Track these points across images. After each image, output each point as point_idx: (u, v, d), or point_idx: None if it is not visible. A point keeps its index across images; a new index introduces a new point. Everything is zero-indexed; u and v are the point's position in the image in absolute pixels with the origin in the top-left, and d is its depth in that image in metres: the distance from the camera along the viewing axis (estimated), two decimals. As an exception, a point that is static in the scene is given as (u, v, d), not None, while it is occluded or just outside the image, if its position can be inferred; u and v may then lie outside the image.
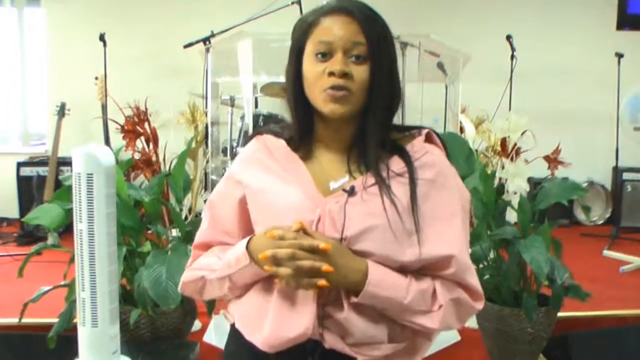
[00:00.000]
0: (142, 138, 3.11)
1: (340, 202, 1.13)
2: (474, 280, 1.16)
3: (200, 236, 1.29)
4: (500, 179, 2.64)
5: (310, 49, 1.16)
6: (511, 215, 2.59)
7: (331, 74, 1.12)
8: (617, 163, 4.89)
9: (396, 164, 1.16)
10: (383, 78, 1.15)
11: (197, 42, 3.62)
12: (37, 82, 5.50)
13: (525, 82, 4.66)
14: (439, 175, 1.17)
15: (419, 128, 1.24)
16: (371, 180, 1.14)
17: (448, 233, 1.14)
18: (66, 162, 4.67)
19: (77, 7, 5.29)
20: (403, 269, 1.13)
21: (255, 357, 1.18)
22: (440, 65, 3.20)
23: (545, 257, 2.21)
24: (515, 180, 2.55)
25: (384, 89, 1.16)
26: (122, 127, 3.10)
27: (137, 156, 3.10)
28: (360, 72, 1.13)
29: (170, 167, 2.90)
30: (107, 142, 4.45)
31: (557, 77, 5.33)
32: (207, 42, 3.52)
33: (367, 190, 1.13)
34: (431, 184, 1.15)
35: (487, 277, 2.53)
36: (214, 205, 1.28)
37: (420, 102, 3.07)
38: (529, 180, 2.63)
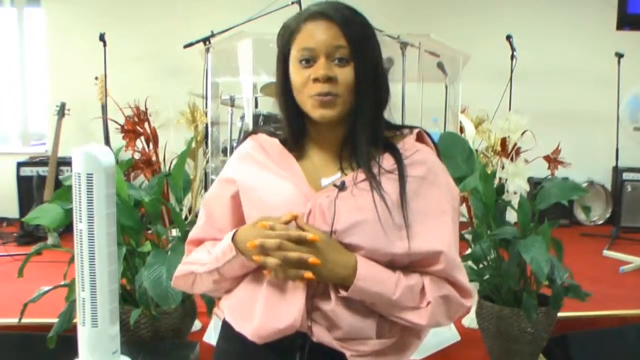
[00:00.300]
0: (142, 138, 3.10)
1: (330, 196, 1.15)
2: (462, 278, 1.17)
3: (193, 232, 1.32)
4: (500, 179, 2.64)
5: (294, 55, 1.19)
6: (511, 215, 2.59)
7: (316, 80, 1.14)
8: (617, 163, 4.89)
9: (387, 161, 1.18)
10: (368, 77, 1.17)
11: (197, 42, 3.61)
12: (37, 82, 5.50)
13: (525, 82, 4.66)
14: (429, 172, 1.19)
15: (411, 128, 1.26)
16: (362, 176, 1.17)
17: (437, 229, 1.15)
18: (66, 162, 4.67)
19: (77, 7, 5.29)
20: (392, 265, 1.14)
21: (245, 353, 1.20)
22: (440, 65, 3.21)
23: (545, 257, 2.21)
24: (515, 180, 2.56)
25: (370, 87, 1.17)
26: (122, 127, 3.08)
27: (137, 156, 3.09)
28: (345, 74, 1.15)
29: (170, 167, 2.89)
30: (107, 142, 4.45)
31: (557, 77, 5.33)
32: (207, 42, 3.51)
33: (358, 185, 1.16)
34: (422, 181, 1.17)
35: (487, 277, 2.53)
36: (209, 203, 1.30)
37: (420, 102, 3.08)
38: (529, 180, 2.63)
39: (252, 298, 1.19)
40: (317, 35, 1.15)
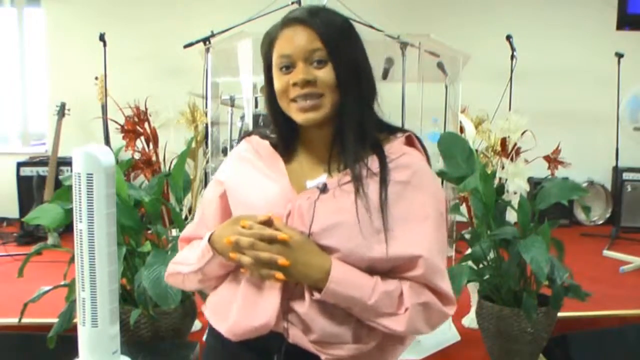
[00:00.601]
0: (142, 138, 3.10)
1: (311, 198, 1.16)
2: (444, 284, 1.15)
3: (186, 229, 1.36)
4: (500, 179, 2.64)
5: (275, 62, 1.20)
6: (511, 215, 2.59)
7: (295, 84, 1.16)
8: (617, 163, 4.90)
9: (374, 163, 1.18)
10: (349, 75, 1.17)
11: (197, 42, 3.61)
12: (37, 82, 5.50)
13: (525, 82, 4.66)
14: (414, 176, 1.17)
15: (404, 131, 1.26)
16: (346, 178, 1.16)
17: (417, 233, 1.13)
18: (66, 162, 4.68)
19: (77, 7, 5.29)
20: (372, 271, 1.13)
21: (224, 351, 1.22)
22: (440, 65, 3.20)
23: (545, 257, 2.21)
24: (515, 180, 2.55)
25: (353, 85, 1.18)
26: (122, 127, 3.08)
27: (137, 156, 3.09)
28: (324, 74, 1.16)
29: (170, 167, 2.89)
30: (107, 142, 4.45)
31: (557, 77, 5.33)
32: (207, 42, 3.51)
33: (341, 187, 1.16)
34: (405, 186, 1.16)
35: (487, 277, 2.53)
36: (203, 202, 1.33)
37: (420, 102, 3.07)
38: (529, 180, 2.63)
39: (231, 297, 1.20)
40: (294, 41, 1.17)
